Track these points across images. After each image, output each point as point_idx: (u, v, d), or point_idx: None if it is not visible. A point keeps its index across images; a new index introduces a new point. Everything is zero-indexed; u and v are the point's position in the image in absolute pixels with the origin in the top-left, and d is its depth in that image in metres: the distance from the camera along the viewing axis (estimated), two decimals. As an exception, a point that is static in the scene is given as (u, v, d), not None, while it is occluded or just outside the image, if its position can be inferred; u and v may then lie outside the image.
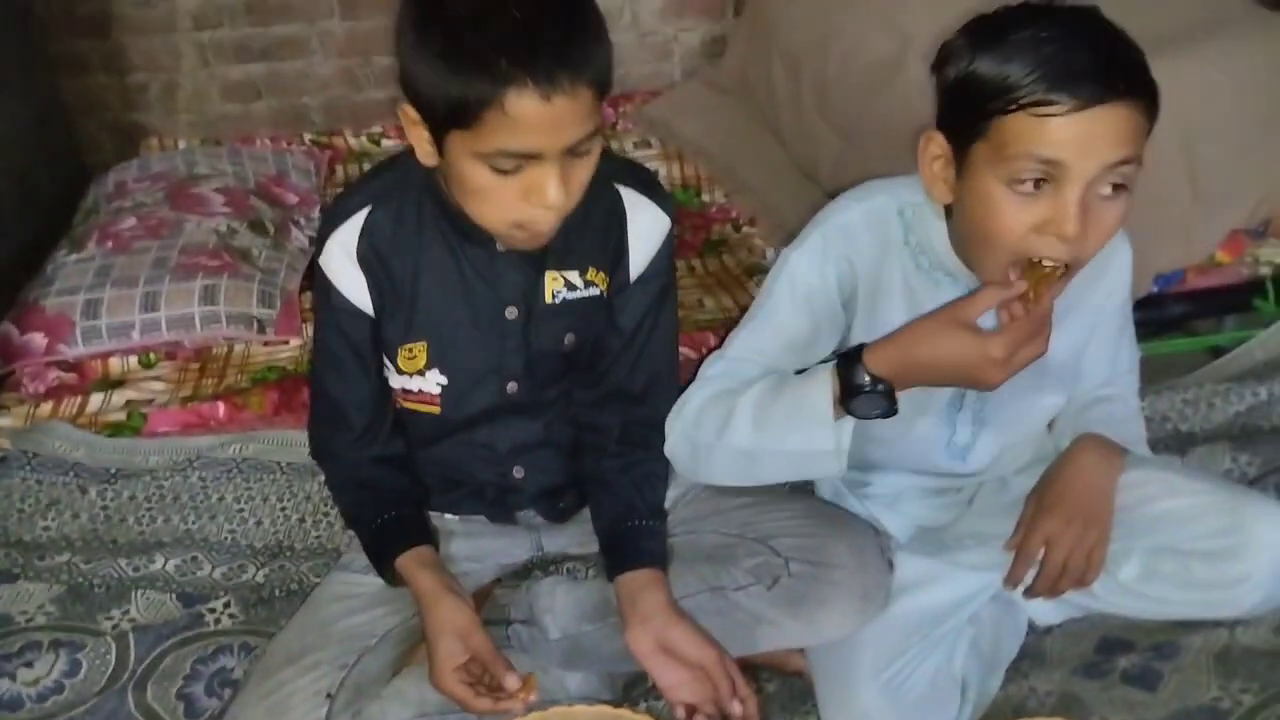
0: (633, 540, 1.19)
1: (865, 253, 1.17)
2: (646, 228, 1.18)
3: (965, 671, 1.22)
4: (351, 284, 1.15)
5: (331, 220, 1.15)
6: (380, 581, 1.22)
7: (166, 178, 2.17)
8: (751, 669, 1.26)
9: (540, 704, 1.12)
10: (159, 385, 1.75)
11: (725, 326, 1.44)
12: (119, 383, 1.76)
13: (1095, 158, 0.99)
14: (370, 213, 1.13)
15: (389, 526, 1.20)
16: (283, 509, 1.52)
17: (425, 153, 1.03)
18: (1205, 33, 1.84)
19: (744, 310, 1.27)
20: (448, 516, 1.32)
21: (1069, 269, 1.05)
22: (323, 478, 1.53)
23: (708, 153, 2.46)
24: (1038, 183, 1.01)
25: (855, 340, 1.17)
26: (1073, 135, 0.98)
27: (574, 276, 1.17)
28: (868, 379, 1.07)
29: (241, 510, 1.52)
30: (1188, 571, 1.19)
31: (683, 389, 1.22)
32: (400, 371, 1.19)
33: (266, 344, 1.85)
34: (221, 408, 1.67)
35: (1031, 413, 1.29)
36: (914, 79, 1.86)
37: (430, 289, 1.15)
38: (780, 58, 2.41)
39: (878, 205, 1.18)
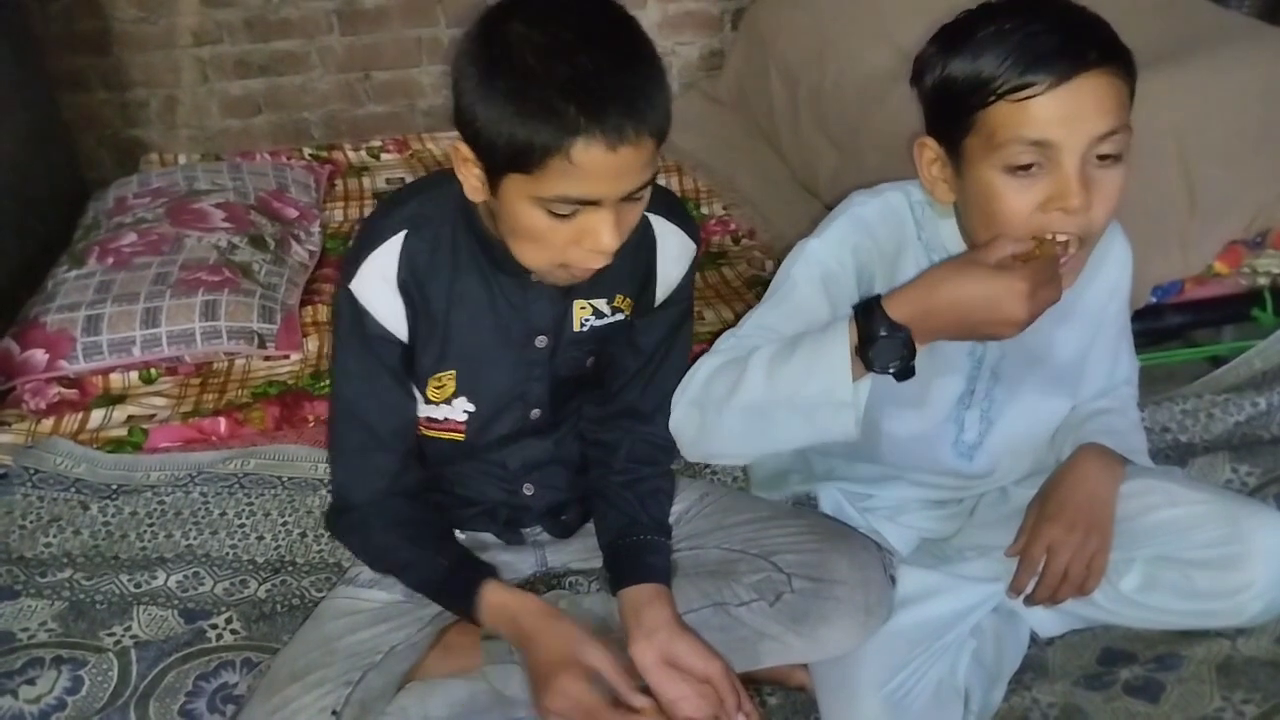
0: (637, 554, 1.19)
1: (883, 245, 1.19)
2: (675, 255, 1.19)
3: (968, 683, 1.22)
4: (389, 311, 1.12)
5: (365, 244, 1.11)
6: (385, 596, 1.23)
7: (167, 193, 2.17)
8: (754, 683, 1.26)
9: None
10: (160, 401, 1.75)
11: (731, 329, 1.44)
12: (120, 398, 1.76)
13: (1082, 131, 1.01)
14: (407, 237, 1.10)
15: (457, 565, 1.18)
16: (284, 524, 1.52)
17: (474, 189, 1.02)
18: (1202, 46, 1.85)
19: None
20: (455, 533, 1.32)
21: (1082, 242, 1.06)
22: (324, 492, 1.55)
23: (706, 165, 2.47)
24: (1033, 165, 1.03)
25: None
26: (1055, 112, 1.00)
27: (602, 304, 1.17)
28: (886, 326, 1.04)
29: (243, 525, 1.51)
30: (1188, 581, 1.20)
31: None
32: (428, 401, 1.19)
33: (267, 359, 1.85)
34: (222, 423, 1.67)
35: (1037, 414, 1.30)
36: (910, 92, 1.87)
37: (462, 318, 1.13)
38: (777, 71, 2.42)
39: (892, 200, 1.20)
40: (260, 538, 1.50)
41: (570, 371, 1.20)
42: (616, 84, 0.92)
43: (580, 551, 1.32)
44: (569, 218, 0.98)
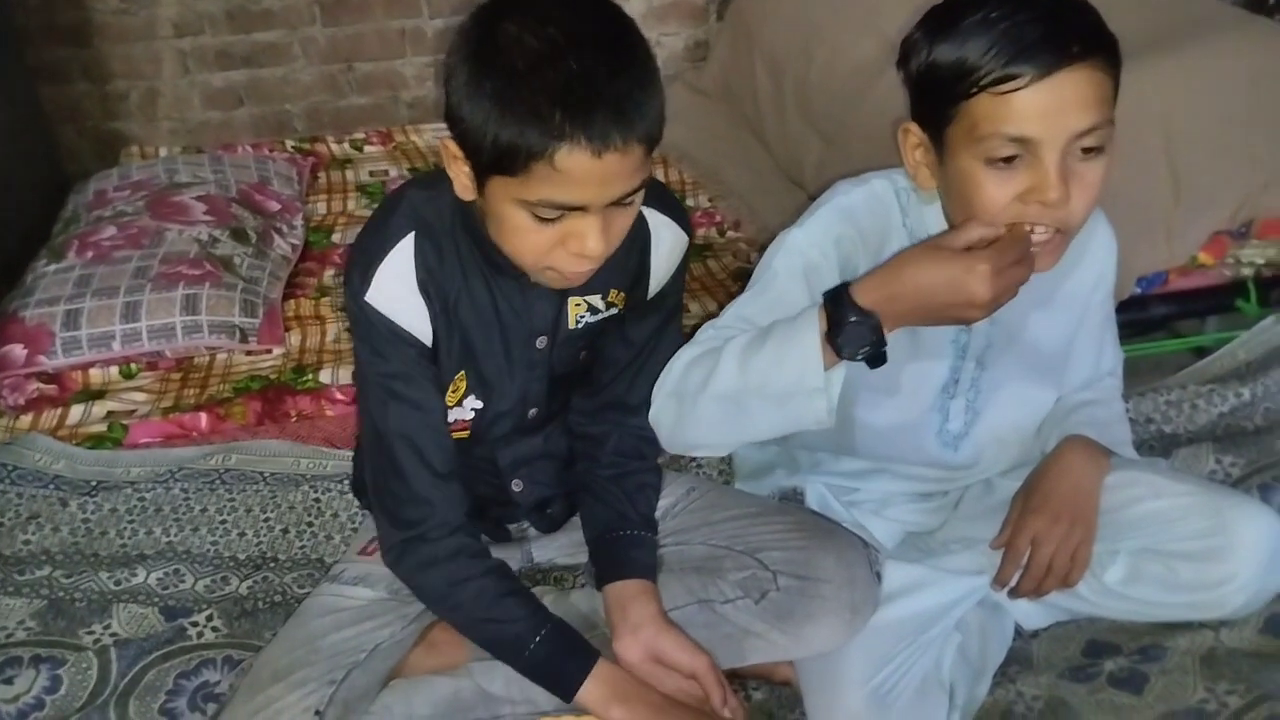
0: (623, 550, 1.19)
1: (868, 233, 1.18)
2: (668, 248, 1.18)
3: (953, 677, 1.22)
4: (414, 316, 1.07)
5: (372, 252, 1.06)
6: (370, 594, 1.22)
7: (147, 186, 2.15)
8: (739, 678, 1.26)
9: None
10: (140, 396, 1.73)
11: (712, 320, 1.44)
12: (100, 394, 1.75)
13: (1063, 126, 1.00)
14: (417, 238, 1.06)
15: (549, 642, 1.11)
16: (266, 520, 1.51)
17: (464, 187, 1.01)
18: (1186, 36, 1.85)
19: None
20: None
21: (1060, 233, 1.06)
22: (305, 487, 1.54)
23: (692, 157, 2.46)
24: (1013, 157, 1.03)
25: None
26: (1037, 107, 1.00)
27: (596, 300, 1.16)
28: (854, 313, 1.04)
29: (224, 521, 1.50)
30: (1172, 573, 1.19)
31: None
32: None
33: (249, 353, 1.83)
34: (203, 418, 1.66)
35: (1024, 404, 1.30)
36: (895, 83, 1.86)
37: (470, 322, 1.12)
38: (763, 62, 2.41)
39: (877, 188, 1.20)
40: (242, 534, 1.49)
41: (566, 368, 1.19)
42: (605, 90, 0.90)
43: (566, 546, 1.32)
44: (554, 221, 0.97)
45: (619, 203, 0.97)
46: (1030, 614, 1.31)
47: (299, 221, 2.20)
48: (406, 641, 1.19)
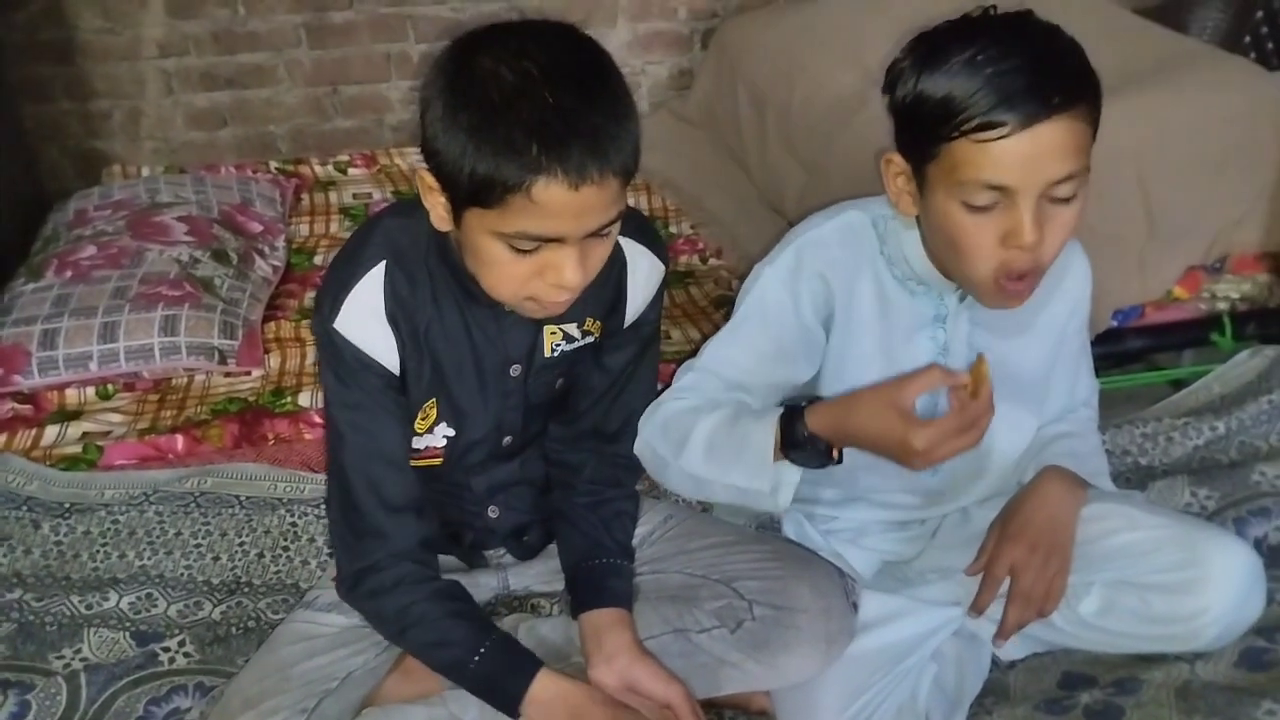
0: (599, 578, 1.19)
1: (839, 266, 1.20)
2: (644, 275, 1.18)
3: (929, 708, 1.22)
4: (381, 345, 1.08)
5: (343, 279, 1.07)
6: (344, 621, 1.21)
7: (128, 206, 2.14)
8: (715, 707, 1.26)
9: None
10: (116, 418, 1.72)
11: (691, 358, 1.45)
12: (75, 414, 1.74)
13: (1039, 175, 1.03)
14: (388, 266, 1.07)
15: (502, 648, 1.12)
16: (241, 544, 1.49)
17: (440, 218, 1.01)
18: (1162, 72, 1.88)
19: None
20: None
21: (1025, 278, 1.09)
22: (282, 511, 1.52)
23: (675, 184, 2.48)
24: (991, 203, 1.05)
25: (833, 355, 1.22)
26: (1016, 157, 1.02)
27: (572, 329, 1.16)
28: (806, 434, 1.10)
29: (199, 545, 1.49)
30: (1146, 605, 1.20)
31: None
32: (414, 433, 1.16)
33: (228, 375, 1.82)
34: (180, 440, 1.65)
35: (1004, 430, 1.30)
36: (876, 114, 1.87)
37: (443, 347, 1.12)
38: (746, 91, 2.43)
39: (851, 219, 1.22)
40: (216, 558, 1.48)
41: (542, 397, 1.19)
42: (582, 123, 0.91)
43: (542, 574, 1.31)
44: (531, 253, 0.97)
45: (596, 234, 0.98)
46: (1007, 645, 1.31)
47: (281, 243, 2.19)
48: (380, 669, 1.18)
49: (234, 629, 1.38)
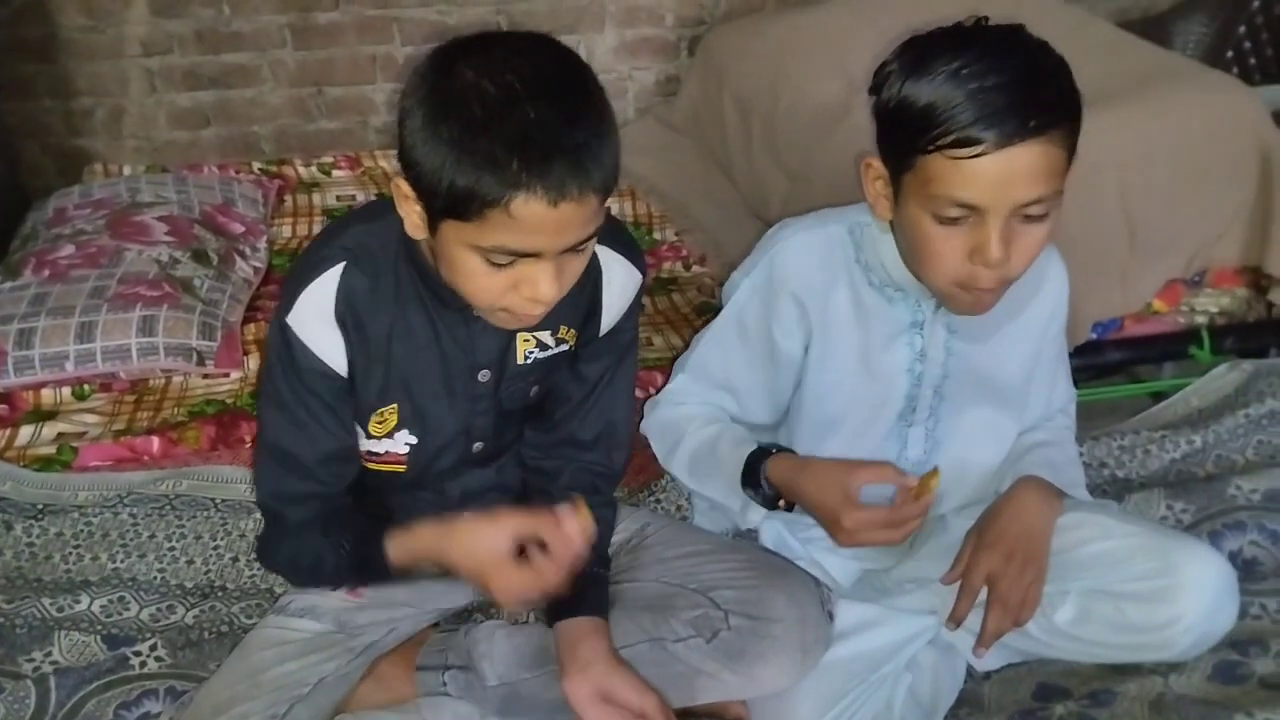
0: (575, 587, 1.18)
1: (810, 276, 1.23)
2: (620, 284, 1.18)
3: (904, 717, 1.23)
4: (327, 345, 1.09)
5: (302, 276, 1.08)
6: (316, 626, 1.20)
7: (108, 205, 2.13)
8: (691, 716, 1.25)
9: None
10: (92, 418, 1.70)
11: (673, 366, 1.46)
12: (51, 414, 1.72)
13: (1010, 197, 1.04)
14: (345, 269, 1.07)
15: (364, 534, 1.15)
16: (215, 548, 1.48)
17: (415, 226, 1.01)
18: (1144, 86, 1.89)
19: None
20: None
21: (992, 291, 1.12)
22: (258, 515, 1.51)
23: (659, 190, 2.47)
24: (960, 217, 1.06)
25: (812, 365, 1.26)
26: (987, 177, 1.03)
27: (545, 336, 1.16)
28: (763, 478, 1.22)
29: (173, 549, 1.48)
30: (1120, 614, 1.21)
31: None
32: (370, 436, 1.16)
33: (206, 376, 1.81)
34: (155, 442, 1.63)
35: (984, 434, 1.32)
36: (860, 123, 1.88)
37: (404, 352, 1.11)
38: (731, 99, 2.43)
39: (825, 228, 1.24)
40: (190, 562, 1.47)
41: (515, 404, 1.18)
42: (563, 140, 0.90)
43: (519, 581, 1.30)
44: (507, 266, 0.97)
45: (573, 248, 0.97)
46: (983, 656, 1.32)
47: (263, 244, 2.18)
48: (353, 675, 1.18)
49: (207, 633, 1.37)
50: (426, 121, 0.92)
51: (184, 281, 1.90)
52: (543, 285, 0.97)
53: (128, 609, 1.39)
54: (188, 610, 1.40)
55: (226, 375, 1.81)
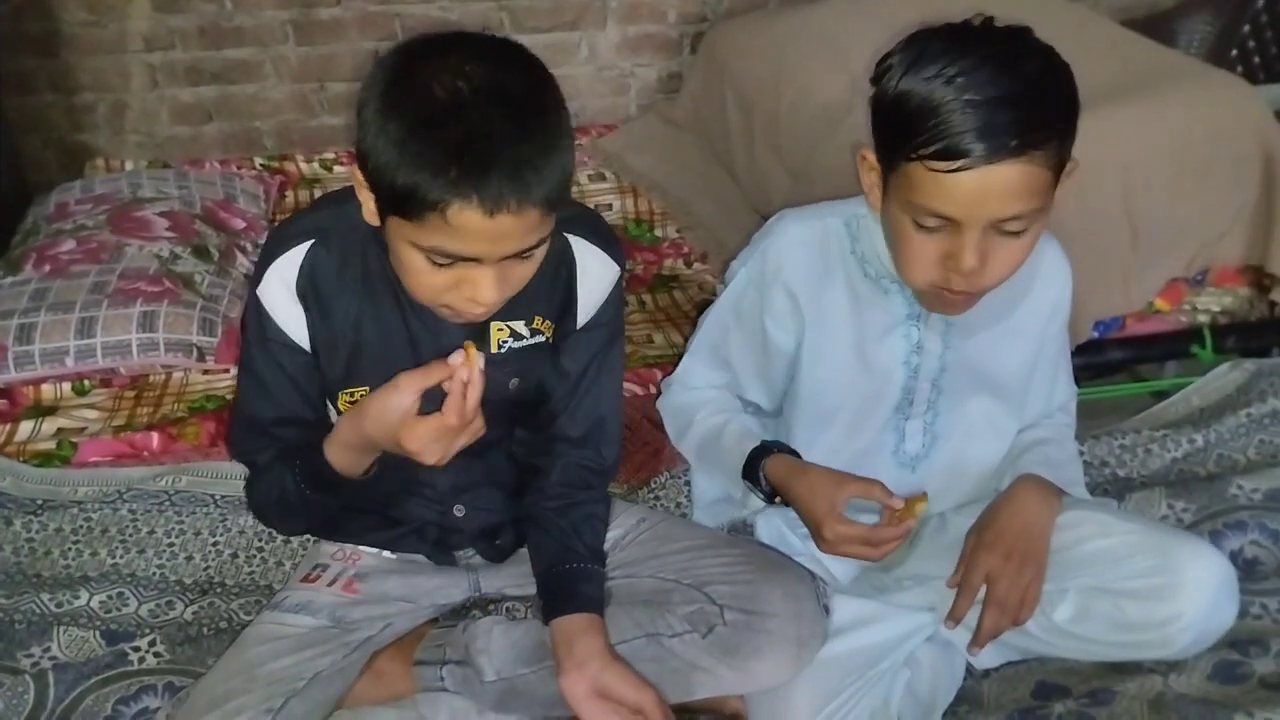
0: (570, 583, 1.18)
1: (805, 267, 1.24)
2: (595, 276, 1.18)
3: (901, 713, 1.23)
4: (288, 317, 1.12)
5: (272, 249, 1.12)
6: (311, 621, 1.20)
7: (109, 200, 2.13)
8: (688, 711, 1.25)
9: None
10: (92, 414, 1.71)
11: (674, 363, 1.47)
12: (51, 410, 1.72)
13: (984, 212, 1.05)
14: (313, 247, 1.10)
15: (310, 448, 1.13)
16: (215, 544, 1.48)
17: (370, 213, 1.01)
18: (1147, 85, 1.88)
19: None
20: (385, 554, 1.30)
21: (966, 296, 1.13)
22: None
23: (661, 187, 2.47)
24: (937, 226, 1.07)
25: (807, 358, 1.27)
26: (963, 191, 1.03)
27: (520, 326, 1.16)
28: (761, 475, 1.25)
29: (172, 544, 1.48)
30: (1120, 611, 1.20)
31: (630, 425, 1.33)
32: (341, 414, 1.16)
33: (206, 372, 1.81)
34: (155, 438, 1.64)
35: (984, 429, 1.32)
36: (862, 121, 1.88)
37: (374, 335, 1.12)
38: (734, 96, 2.43)
39: (822, 219, 1.26)
40: (189, 558, 1.47)
41: (492, 393, 1.17)
42: (505, 151, 0.90)
43: (515, 577, 1.31)
44: (448, 267, 0.97)
45: (517, 256, 0.98)
46: (981, 653, 1.31)
47: (263, 240, 2.18)
48: (349, 670, 1.18)
49: (205, 629, 1.37)
50: (377, 115, 0.93)
51: (185, 277, 1.90)
52: (483, 288, 0.97)
53: (127, 605, 1.39)
54: (187, 606, 1.40)
55: (227, 371, 1.81)
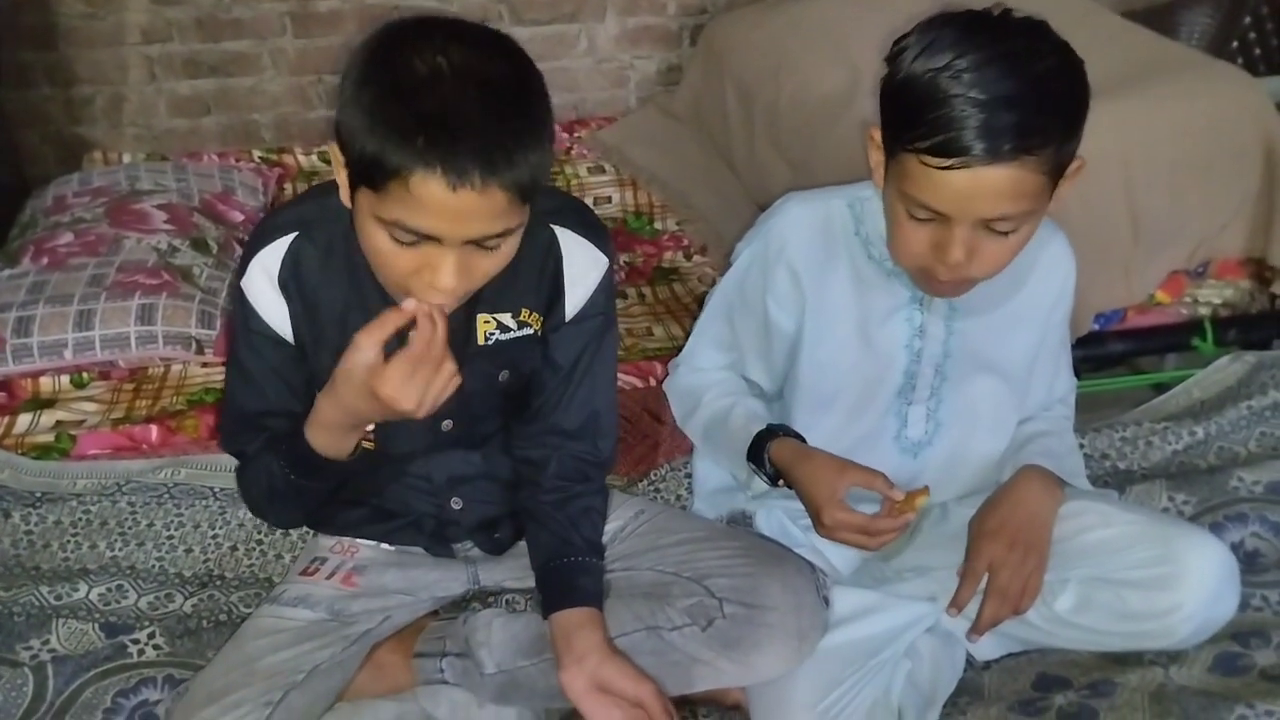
0: (568, 577, 1.18)
1: (808, 246, 1.25)
2: (583, 268, 1.17)
3: (902, 704, 1.22)
4: (271, 309, 1.11)
5: (256, 241, 1.12)
6: (310, 615, 1.20)
7: (108, 193, 2.12)
8: (688, 703, 1.25)
9: None
10: (90, 406, 1.70)
11: (674, 355, 1.47)
12: (49, 403, 1.72)
13: (973, 210, 1.05)
14: (296, 238, 1.10)
15: (293, 433, 1.12)
16: (214, 536, 1.48)
17: (346, 195, 1.01)
18: (1148, 77, 1.88)
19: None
20: (384, 546, 1.30)
21: (953, 285, 1.14)
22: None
23: (661, 180, 2.47)
24: (928, 218, 1.08)
25: (808, 341, 1.28)
26: (954, 189, 1.04)
27: (506, 319, 1.15)
28: (765, 457, 1.25)
29: (171, 537, 1.47)
30: (1121, 601, 1.20)
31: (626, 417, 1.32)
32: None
33: (205, 365, 1.81)
34: (154, 430, 1.63)
35: (986, 417, 1.32)
36: (863, 115, 1.88)
37: (359, 325, 1.09)
38: (733, 88, 2.42)
39: (826, 201, 1.26)
40: (189, 550, 1.47)
41: (481, 385, 1.17)
42: (476, 127, 0.90)
43: (515, 570, 1.30)
44: (411, 246, 0.96)
45: (481, 245, 0.96)
46: (982, 644, 1.31)
47: (262, 233, 2.17)
48: (349, 663, 1.17)
49: (205, 622, 1.37)
50: (354, 85, 0.93)
51: (183, 270, 1.90)
52: (443, 274, 0.96)
53: (126, 597, 1.39)
54: (186, 599, 1.40)
55: (225, 364, 1.81)
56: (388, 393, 0.98)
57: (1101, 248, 1.76)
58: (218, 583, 1.43)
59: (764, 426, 1.27)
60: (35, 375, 1.76)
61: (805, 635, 1.13)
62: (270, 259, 1.10)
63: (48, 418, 1.68)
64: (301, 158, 2.58)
